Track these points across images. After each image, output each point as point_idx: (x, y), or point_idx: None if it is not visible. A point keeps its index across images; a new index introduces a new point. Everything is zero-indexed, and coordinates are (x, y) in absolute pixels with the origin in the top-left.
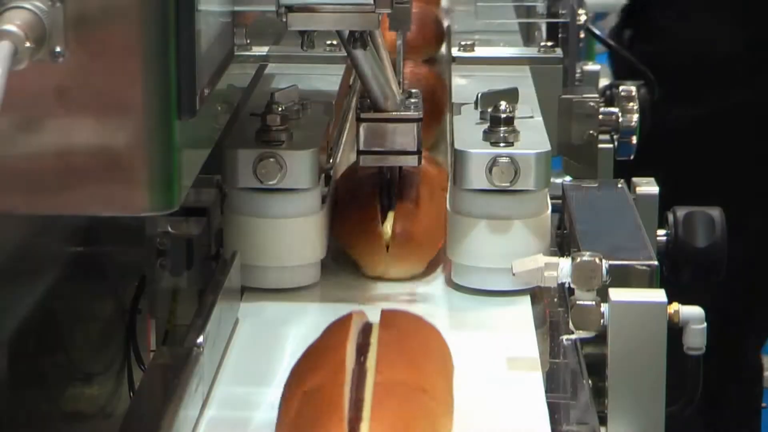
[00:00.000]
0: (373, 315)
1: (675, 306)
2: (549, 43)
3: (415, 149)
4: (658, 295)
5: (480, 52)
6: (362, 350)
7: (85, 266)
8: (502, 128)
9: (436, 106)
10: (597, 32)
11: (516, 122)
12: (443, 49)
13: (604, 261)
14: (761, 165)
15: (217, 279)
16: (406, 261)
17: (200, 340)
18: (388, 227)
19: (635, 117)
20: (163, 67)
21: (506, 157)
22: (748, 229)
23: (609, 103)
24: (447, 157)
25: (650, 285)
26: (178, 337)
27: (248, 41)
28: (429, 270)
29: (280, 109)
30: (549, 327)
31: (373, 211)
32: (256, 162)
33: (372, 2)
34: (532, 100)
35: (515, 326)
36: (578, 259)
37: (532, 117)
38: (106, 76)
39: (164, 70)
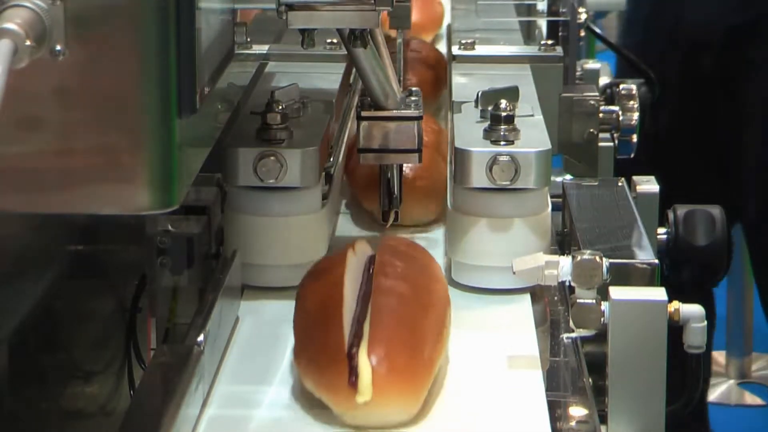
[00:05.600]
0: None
1: (675, 304)
2: (549, 42)
3: (415, 147)
4: (659, 293)
5: (480, 50)
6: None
7: (85, 265)
8: (502, 127)
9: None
10: (597, 31)
11: (516, 121)
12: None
13: (604, 259)
14: None
15: (217, 277)
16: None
17: (200, 338)
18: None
19: (635, 115)
20: (164, 65)
21: (506, 155)
22: None
23: (609, 101)
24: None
25: (650, 283)
26: (178, 335)
27: (248, 39)
28: None
29: (280, 107)
30: (549, 325)
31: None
32: (256, 160)
33: (372, 0)
34: (532, 99)
35: (515, 324)
36: (579, 258)
37: (532, 115)
38: (106, 74)
39: (164, 69)
